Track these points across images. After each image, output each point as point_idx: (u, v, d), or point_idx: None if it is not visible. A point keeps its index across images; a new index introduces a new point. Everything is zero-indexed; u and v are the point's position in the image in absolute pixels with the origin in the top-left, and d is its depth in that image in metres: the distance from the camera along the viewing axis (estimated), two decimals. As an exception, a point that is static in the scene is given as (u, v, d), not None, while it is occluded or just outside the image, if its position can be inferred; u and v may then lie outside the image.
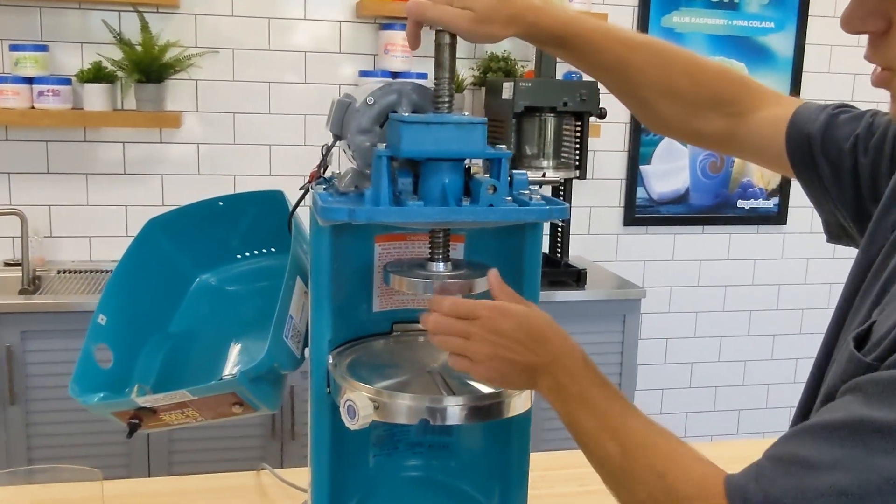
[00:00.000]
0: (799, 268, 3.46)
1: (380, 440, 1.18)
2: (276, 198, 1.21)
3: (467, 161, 0.98)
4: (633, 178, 3.23)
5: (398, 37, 2.83)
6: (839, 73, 3.35)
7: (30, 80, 2.62)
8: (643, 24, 3.12)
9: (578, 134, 2.72)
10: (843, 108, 0.97)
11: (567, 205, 1.00)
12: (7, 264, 2.75)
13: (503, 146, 0.97)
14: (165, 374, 1.22)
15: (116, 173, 2.82)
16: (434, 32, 0.98)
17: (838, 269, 3.43)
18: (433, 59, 0.98)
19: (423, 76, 2.87)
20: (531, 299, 0.98)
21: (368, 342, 1.12)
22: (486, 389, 0.99)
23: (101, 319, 1.17)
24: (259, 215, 1.27)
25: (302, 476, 1.31)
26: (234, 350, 1.25)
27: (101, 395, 1.13)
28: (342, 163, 1.06)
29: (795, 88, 3.29)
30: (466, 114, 1.01)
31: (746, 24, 3.23)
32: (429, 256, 1.02)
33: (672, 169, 3.26)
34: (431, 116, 0.95)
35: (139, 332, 1.23)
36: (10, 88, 2.59)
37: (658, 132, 1.13)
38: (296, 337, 1.10)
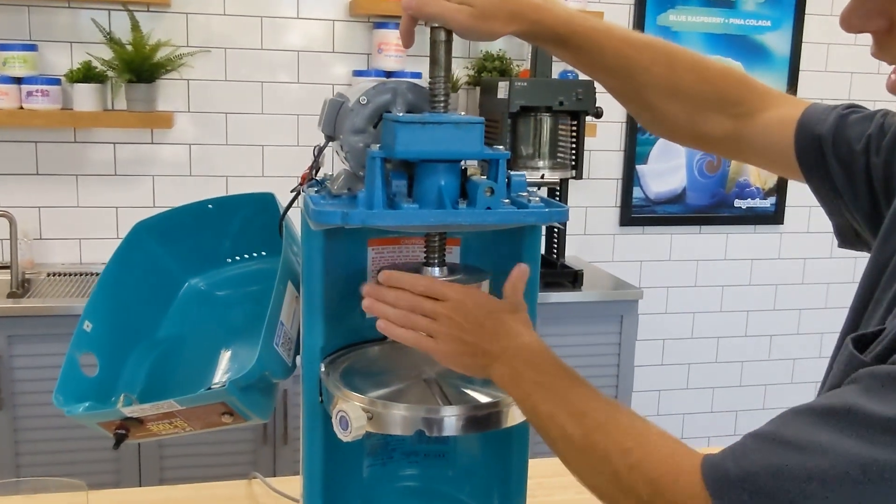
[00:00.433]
0: (796, 268, 3.44)
1: (374, 449, 1.16)
2: (267, 200, 1.18)
3: (463, 162, 0.95)
4: (630, 178, 3.20)
5: (392, 36, 2.80)
6: (836, 72, 3.33)
7: (18, 81, 2.58)
8: (639, 23, 3.09)
9: (574, 133, 2.69)
10: (853, 108, 0.94)
11: (567, 207, 0.98)
12: (-5, 267, 2.71)
13: (500, 147, 0.95)
14: (153, 382, 1.19)
15: (107, 174, 2.78)
16: (429, 30, 0.94)
17: (836, 269, 3.43)
18: (428, 58, 0.95)
19: (418, 76, 2.84)
20: (529, 304, 0.96)
21: (362, 349, 1.08)
22: (483, 399, 0.97)
23: (87, 326, 1.14)
24: (250, 218, 1.24)
25: (294, 485, 1.28)
26: (224, 357, 1.22)
27: (87, 404, 1.11)
28: (335, 164, 1.03)
29: (792, 87, 3.27)
30: (462, 113, 0.98)
31: (743, 23, 3.21)
32: (424, 261, 1.00)
33: (669, 168, 3.24)
34: (427, 116, 0.92)
35: (126, 338, 1.20)
36: (-2, 89, 2.55)
37: (662, 136, 1.09)
38: (287, 344, 1.07)
